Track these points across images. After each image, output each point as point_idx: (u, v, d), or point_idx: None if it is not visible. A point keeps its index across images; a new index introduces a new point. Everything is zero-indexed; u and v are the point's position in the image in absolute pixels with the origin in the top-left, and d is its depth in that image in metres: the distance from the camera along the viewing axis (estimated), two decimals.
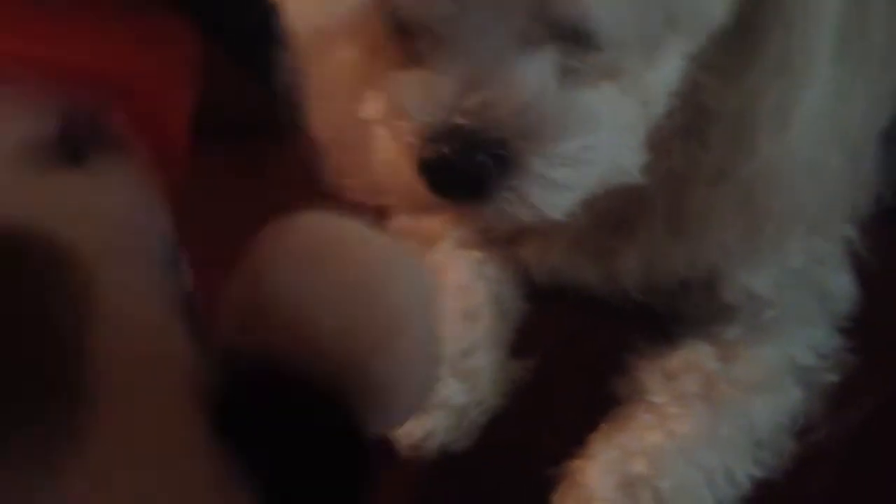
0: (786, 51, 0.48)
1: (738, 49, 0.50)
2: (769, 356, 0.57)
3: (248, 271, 0.30)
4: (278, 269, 0.30)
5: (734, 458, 0.53)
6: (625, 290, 0.59)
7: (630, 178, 0.49)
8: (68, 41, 0.36)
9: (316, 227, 0.32)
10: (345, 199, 0.55)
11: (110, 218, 0.28)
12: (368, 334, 0.30)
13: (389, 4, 0.45)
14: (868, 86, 0.51)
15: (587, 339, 0.60)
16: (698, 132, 0.52)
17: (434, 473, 0.54)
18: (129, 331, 0.25)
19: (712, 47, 0.49)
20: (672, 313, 0.59)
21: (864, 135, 0.53)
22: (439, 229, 0.63)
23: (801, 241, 0.57)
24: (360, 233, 0.32)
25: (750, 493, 0.53)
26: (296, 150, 0.57)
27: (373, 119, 0.48)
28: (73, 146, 0.28)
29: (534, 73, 0.45)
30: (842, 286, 0.60)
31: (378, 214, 0.60)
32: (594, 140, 0.47)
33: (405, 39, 0.47)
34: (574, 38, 0.45)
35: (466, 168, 0.45)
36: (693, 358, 0.57)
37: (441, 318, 0.56)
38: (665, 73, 0.49)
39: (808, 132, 0.50)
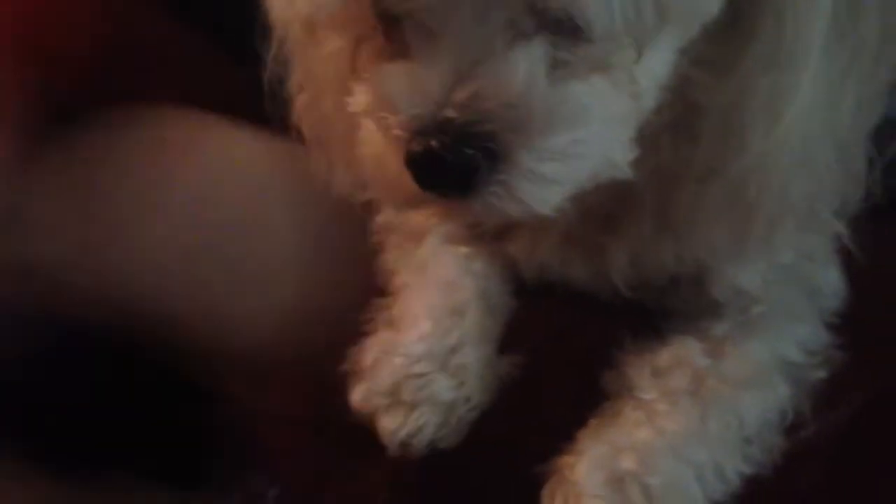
0: (777, 45, 0.48)
1: (728, 43, 0.49)
2: (757, 352, 0.57)
3: None
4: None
5: (723, 455, 0.53)
6: (613, 286, 0.59)
7: (620, 172, 0.48)
8: None
9: None
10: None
11: None
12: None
13: None
14: (859, 81, 0.51)
15: (576, 335, 0.60)
16: (688, 127, 0.52)
17: (422, 470, 0.54)
18: None
19: (703, 41, 0.49)
20: (661, 309, 0.59)
21: (854, 131, 0.52)
22: (426, 224, 0.62)
23: (789, 236, 0.57)
24: None
25: (739, 489, 0.53)
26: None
27: (360, 112, 0.47)
28: None
29: (523, 66, 0.45)
30: (830, 282, 0.60)
31: (365, 208, 0.60)
32: (584, 134, 0.46)
33: (393, 31, 0.47)
34: (564, 30, 0.45)
35: (454, 162, 0.44)
36: (681, 354, 0.57)
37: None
38: (656, 66, 0.48)
39: (798, 128, 0.50)
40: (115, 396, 0.28)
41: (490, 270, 0.61)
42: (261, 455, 0.47)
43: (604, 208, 0.56)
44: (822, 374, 0.57)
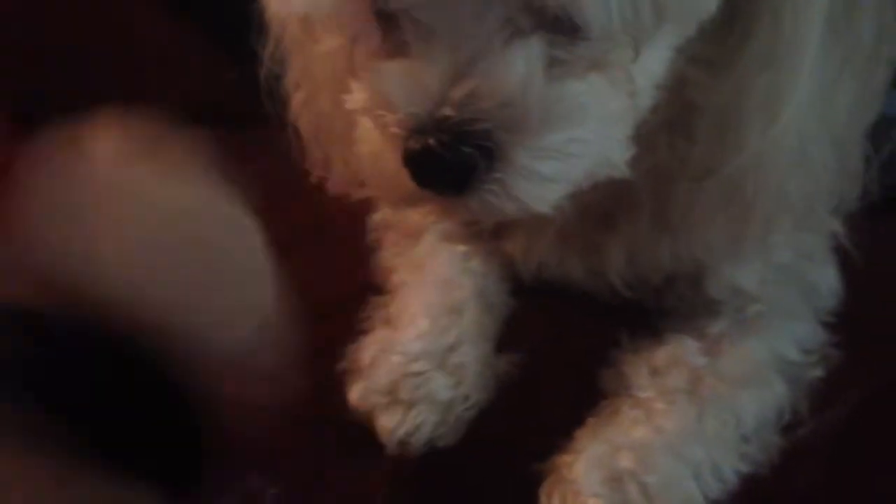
0: (774, 44, 0.48)
1: (725, 42, 0.49)
2: (754, 351, 0.57)
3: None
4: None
5: (720, 453, 0.53)
6: (610, 285, 0.59)
7: (617, 171, 0.48)
8: None
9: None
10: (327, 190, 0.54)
11: None
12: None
13: None
14: (855, 79, 0.51)
15: (574, 334, 0.60)
16: (684, 126, 0.52)
17: (421, 469, 0.54)
18: None
19: (700, 40, 0.49)
20: (658, 308, 0.59)
21: (850, 129, 0.53)
22: (423, 222, 0.62)
23: (786, 235, 0.57)
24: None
25: (736, 487, 0.53)
26: (278, 141, 0.56)
27: (357, 109, 0.47)
28: None
29: (521, 64, 0.45)
30: (827, 281, 0.60)
31: (361, 206, 0.60)
32: (581, 133, 0.46)
33: (390, 29, 0.47)
34: (562, 29, 0.45)
35: (452, 160, 0.44)
36: (679, 353, 0.57)
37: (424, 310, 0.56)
38: (653, 65, 0.48)
39: (795, 126, 0.50)
40: (112, 395, 0.28)
41: (488, 269, 0.61)
42: (260, 454, 0.47)
43: (601, 207, 0.56)
44: (818, 372, 0.57)
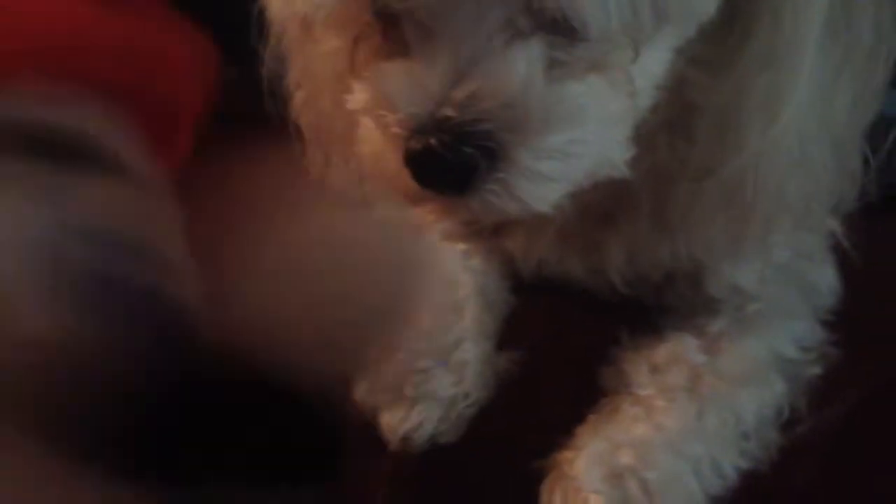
0: (773, 44, 0.49)
1: (724, 43, 0.50)
2: (753, 349, 0.58)
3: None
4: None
5: (720, 450, 0.53)
6: (610, 283, 0.59)
7: (617, 171, 0.49)
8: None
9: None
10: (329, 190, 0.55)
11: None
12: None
13: None
14: (854, 79, 0.51)
15: (574, 332, 0.60)
16: (684, 127, 0.53)
17: (421, 466, 0.54)
18: None
19: (699, 41, 0.49)
20: (658, 306, 0.60)
21: (849, 129, 0.53)
22: (424, 221, 0.62)
23: (785, 234, 0.58)
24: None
25: (736, 483, 0.53)
26: (280, 141, 0.56)
27: (359, 110, 0.48)
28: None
29: (521, 65, 0.45)
30: (825, 280, 0.60)
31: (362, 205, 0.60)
32: (581, 133, 0.47)
33: (391, 29, 0.47)
34: (562, 30, 0.45)
35: (453, 160, 0.45)
36: (679, 351, 0.57)
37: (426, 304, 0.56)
38: (652, 66, 0.49)
39: (794, 127, 0.50)
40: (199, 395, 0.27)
41: (488, 267, 0.61)
42: None
43: (601, 206, 0.56)
44: (817, 370, 0.57)
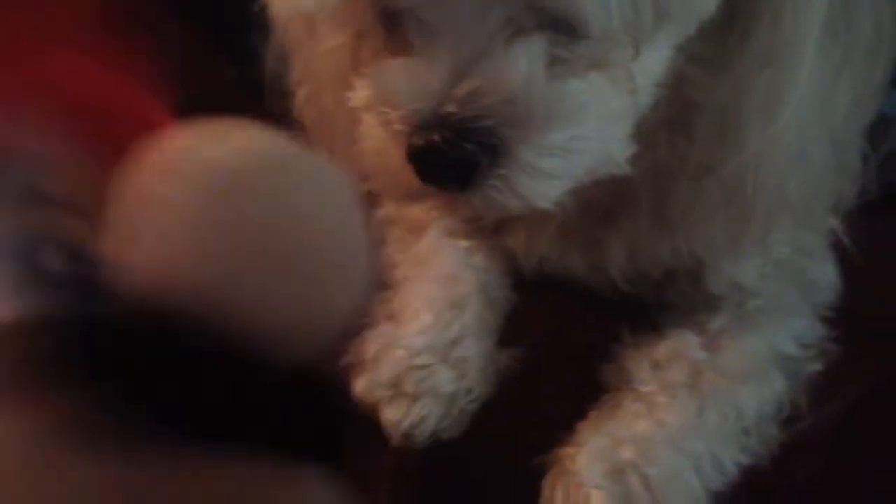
0: (773, 43, 0.49)
1: (725, 41, 0.50)
2: (754, 346, 0.58)
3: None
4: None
5: (721, 446, 0.53)
6: (611, 280, 0.59)
7: (618, 168, 0.49)
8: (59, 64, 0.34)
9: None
10: None
11: None
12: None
13: None
14: (853, 78, 0.51)
15: (575, 328, 0.60)
16: (684, 125, 0.53)
17: (423, 462, 0.54)
18: None
19: (699, 39, 0.50)
20: (658, 303, 0.60)
21: (849, 127, 0.53)
22: (427, 218, 0.63)
23: (786, 232, 0.58)
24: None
25: (736, 479, 0.53)
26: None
27: (361, 106, 0.48)
28: None
29: (523, 63, 0.45)
30: (825, 277, 0.60)
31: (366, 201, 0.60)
32: (582, 130, 0.47)
33: (393, 26, 0.47)
34: (563, 28, 0.45)
35: (455, 156, 0.45)
36: (679, 347, 0.57)
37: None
38: (653, 64, 0.49)
39: (794, 125, 0.50)
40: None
41: (490, 264, 0.62)
42: None
43: (602, 203, 0.56)
44: (817, 367, 0.57)
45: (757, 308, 0.59)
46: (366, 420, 0.54)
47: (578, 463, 0.51)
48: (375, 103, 0.47)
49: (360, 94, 0.48)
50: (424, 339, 0.56)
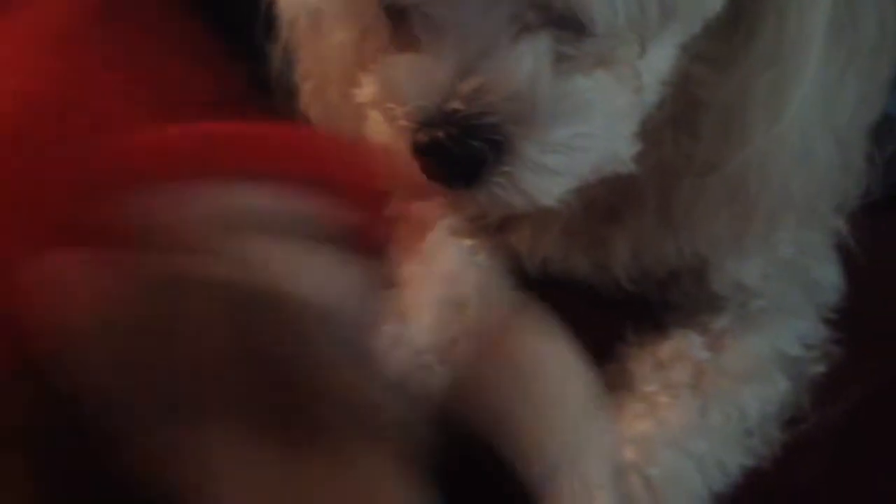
0: (778, 42, 0.49)
1: (730, 40, 0.50)
2: (757, 346, 0.58)
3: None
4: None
5: (723, 447, 0.53)
6: (615, 279, 0.59)
7: (623, 166, 0.49)
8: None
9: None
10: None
11: (344, 294, 0.33)
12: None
13: None
14: (859, 77, 0.51)
15: (578, 328, 0.60)
16: (689, 123, 0.53)
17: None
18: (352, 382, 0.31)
19: (704, 38, 0.50)
20: (662, 303, 0.60)
21: (853, 126, 0.53)
22: (431, 216, 0.62)
23: (789, 231, 0.58)
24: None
25: (739, 480, 0.53)
26: None
27: (366, 103, 0.48)
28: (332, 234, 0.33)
29: (528, 59, 0.45)
30: (829, 277, 0.60)
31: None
32: (587, 127, 0.47)
33: (399, 23, 0.47)
34: (569, 25, 0.45)
35: (460, 153, 0.45)
36: (682, 347, 0.57)
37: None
38: (658, 62, 0.49)
39: (798, 124, 0.50)
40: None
41: (493, 263, 0.61)
42: None
43: (606, 202, 0.56)
44: (820, 368, 0.57)
45: (760, 308, 0.59)
46: None
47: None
48: (381, 99, 0.47)
49: (366, 90, 0.48)
50: (427, 337, 0.56)
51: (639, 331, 0.58)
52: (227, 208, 0.33)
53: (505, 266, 0.62)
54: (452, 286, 0.59)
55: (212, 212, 0.33)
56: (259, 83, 0.58)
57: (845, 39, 0.50)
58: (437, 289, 0.59)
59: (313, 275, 0.32)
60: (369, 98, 0.48)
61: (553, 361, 0.40)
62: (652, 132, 0.51)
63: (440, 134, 0.45)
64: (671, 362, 0.56)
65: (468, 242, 0.62)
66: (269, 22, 0.54)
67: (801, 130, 0.51)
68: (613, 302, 0.60)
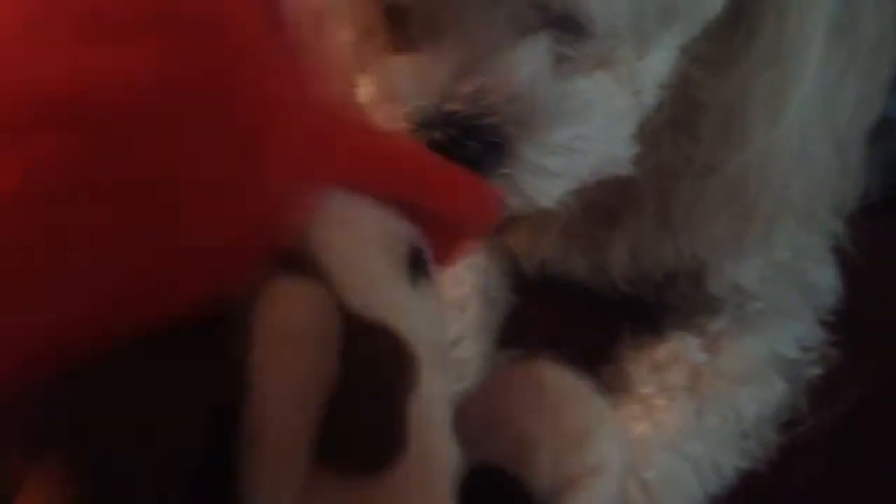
0: (778, 44, 0.49)
1: (729, 42, 0.50)
2: (754, 348, 0.58)
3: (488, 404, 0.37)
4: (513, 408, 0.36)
5: (720, 449, 0.53)
6: (613, 281, 0.59)
7: (621, 168, 0.49)
8: None
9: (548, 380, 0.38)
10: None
11: (431, 331, 0.33)
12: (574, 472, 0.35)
13: None
14: (858, 80, 0.51)
15: (575, 330, 0.60)
16: (688, 125, 0.52)
17: None
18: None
19: (704, 39, 0.49)
20: (659, 305, 0.60)
21: (852, 129, 0.53)
22: None
23: (787, 234, 0.58)
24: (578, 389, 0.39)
25: (735, 483, 0.53)
26: None
27: (365, 103, 0.47)
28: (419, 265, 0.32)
29: (528, 61, 0.45)
30: (826, 280, 0.60)
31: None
32: (587, 129, 0.47)
33: (399, 23, 0.47)
34: (569, 26, 0.45)
35: (459, 154, 0.44)
36: (679, 349, 0.57)
37: None
38: (658, 64, 0.49)
39: (797, 125, 0.50)
40: None
41: (491, 264, 0.61)
42: None
43: (605, 204, 0.56)
44: (817, 370, 0.57)
45: (757, 311, 0.59)
46: None
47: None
48: (380, 100, 0.46)
49: (365, 90, 0.47)
50: None
51: (636, 333, 0.58)
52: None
53: (502, 268, 0.62)
54: (450, 288, 0.59)
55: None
56: None
57: (845, 41, 0.50)
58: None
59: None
60: (368, 99, 0.47)
61: (571, 381, 0.40)
62: (651, 134, 0.51)
63: (438, 135, 0.44)
64: (668, 364, 0.56)
65: None
66: None
67: (800, 132, 0.51)
68: (611, 304, 0.59)
